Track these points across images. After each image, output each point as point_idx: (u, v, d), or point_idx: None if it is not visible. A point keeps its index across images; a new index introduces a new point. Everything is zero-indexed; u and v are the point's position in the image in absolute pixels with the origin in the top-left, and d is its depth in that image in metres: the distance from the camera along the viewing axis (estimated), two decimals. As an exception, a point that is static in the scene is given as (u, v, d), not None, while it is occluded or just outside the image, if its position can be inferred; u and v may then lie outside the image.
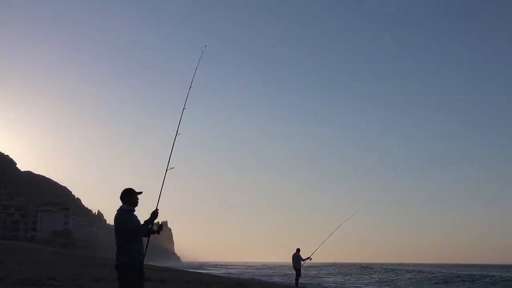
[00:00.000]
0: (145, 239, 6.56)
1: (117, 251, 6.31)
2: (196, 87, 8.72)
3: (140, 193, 6.56)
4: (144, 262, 6.39)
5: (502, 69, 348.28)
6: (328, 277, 55.79)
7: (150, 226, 6.42)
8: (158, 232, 6.68)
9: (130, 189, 6.55)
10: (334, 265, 77.68)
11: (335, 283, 42.99)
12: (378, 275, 60.39)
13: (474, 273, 58.75)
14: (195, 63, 9.17)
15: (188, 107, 8.21)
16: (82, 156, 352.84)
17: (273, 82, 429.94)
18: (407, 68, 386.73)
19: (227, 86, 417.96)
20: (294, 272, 24.02)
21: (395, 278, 53.24)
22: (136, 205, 6.51)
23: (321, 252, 22.31)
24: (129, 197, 6.48)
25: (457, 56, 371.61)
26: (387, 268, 76.15)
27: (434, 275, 54.07)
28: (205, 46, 9.88)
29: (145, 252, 6.50)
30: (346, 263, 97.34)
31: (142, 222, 6.46)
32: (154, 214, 6.46)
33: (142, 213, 6.58)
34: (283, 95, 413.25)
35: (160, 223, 6.74)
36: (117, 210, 6.40)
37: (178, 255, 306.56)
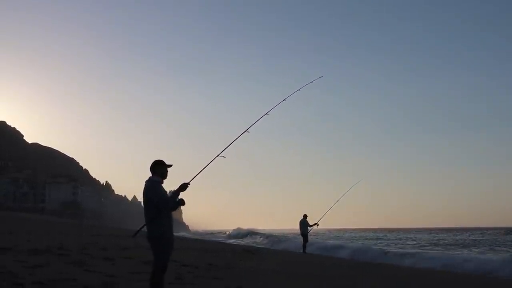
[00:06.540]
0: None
1: (146, 223, 6.26)
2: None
3: (170, 166, 6.40)
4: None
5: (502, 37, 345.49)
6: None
7: (178, 198, 6.26)
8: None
9: (161, 160, 6.41)
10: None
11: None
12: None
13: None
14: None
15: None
16: (89, 127, 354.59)
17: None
18: (407, 42, 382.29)
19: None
20: (302, 238, 24.21)
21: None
22: (165, 178, 6.39)
23: (327, 218, 22.36)
24: (160, 168, 6.35)
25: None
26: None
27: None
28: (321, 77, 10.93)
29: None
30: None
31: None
32: (184, 186, 6.28)
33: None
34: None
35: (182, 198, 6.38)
36: (146, 182, 6.26)
37: (186, 224, 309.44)
